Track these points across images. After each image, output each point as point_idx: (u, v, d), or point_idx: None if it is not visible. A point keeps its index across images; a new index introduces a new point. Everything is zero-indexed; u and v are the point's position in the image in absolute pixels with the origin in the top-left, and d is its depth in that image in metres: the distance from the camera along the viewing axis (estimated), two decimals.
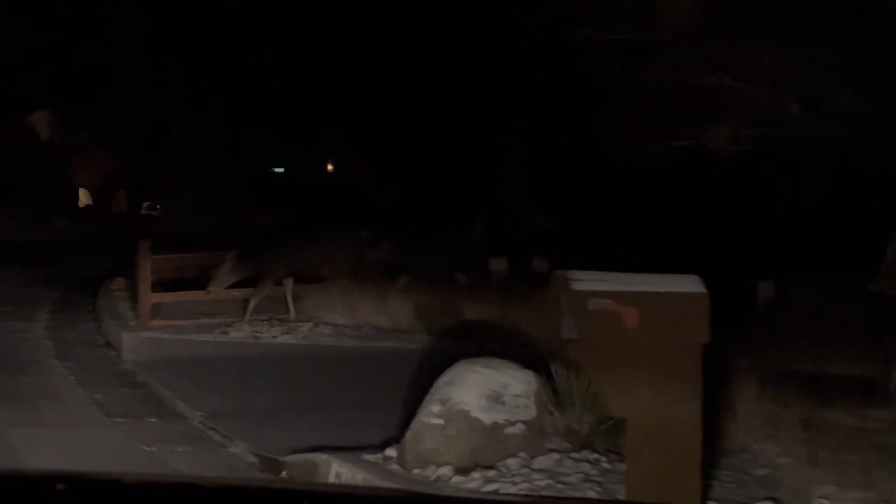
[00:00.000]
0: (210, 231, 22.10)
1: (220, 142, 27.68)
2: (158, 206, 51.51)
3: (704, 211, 17.32)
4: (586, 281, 6.35)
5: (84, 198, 49.39)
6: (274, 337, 13.64)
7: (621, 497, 6.65)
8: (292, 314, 14.38)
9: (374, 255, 15.54)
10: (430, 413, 7.56)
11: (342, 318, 14.43)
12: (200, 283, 14.97)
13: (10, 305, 16.79)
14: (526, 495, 6.36)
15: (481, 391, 7.51)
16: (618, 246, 15.82)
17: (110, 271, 20.42)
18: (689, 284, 6.57)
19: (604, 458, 7.32)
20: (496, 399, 7.48)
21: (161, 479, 3.68)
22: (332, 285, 14.82)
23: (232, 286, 14.79)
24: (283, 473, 8.28)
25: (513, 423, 7.42)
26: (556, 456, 7.33)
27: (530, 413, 7.49)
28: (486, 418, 7.41)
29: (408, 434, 7.68)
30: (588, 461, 7.29)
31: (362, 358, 12.73)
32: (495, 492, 6.79)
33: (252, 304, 14.38)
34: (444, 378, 7.72)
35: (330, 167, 43.82)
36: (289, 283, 14.59)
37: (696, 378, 6.44)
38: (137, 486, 2.81)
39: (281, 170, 42.43)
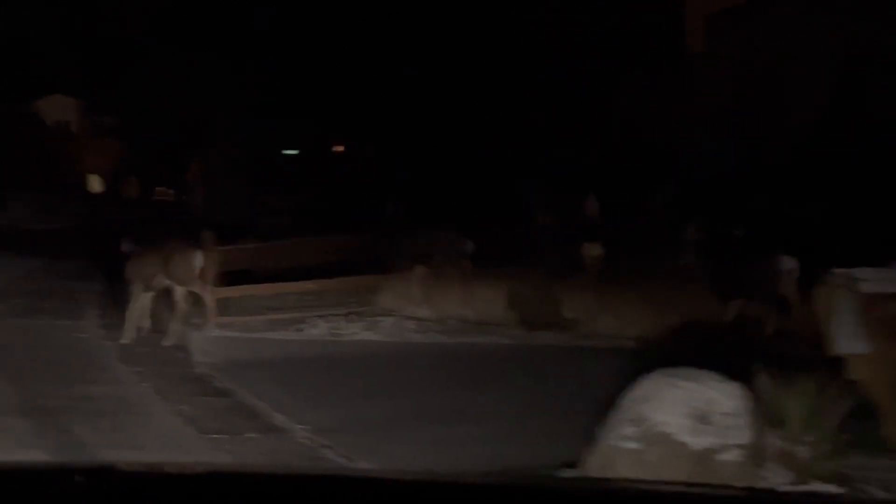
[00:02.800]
0: (251, 217, 20.94)
1: (253, 126, 26.52)
2: (172, 192, 50.44)
3: None
4: (881, 281, 5.14)
5: (96, 184, 48.19)
6: (354, 334, 12.45)
7: None
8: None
9: (460, 243, 14.31)
10: (622, 436, 6.35)
11: (424, 311, 13.25)
12: (266, 275, 13.83)
13: (55, 301, 15.63)
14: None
15: (684, 409, 6.29)
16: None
17: None
18: None
19: (842, 491, 6.13)
20: (702, 419, 6.26)
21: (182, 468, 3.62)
22: (412, 276, 13.63)
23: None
24: None
25: (726, 448, 6.21)
26: (780, 488, 6.13)
27: (744, 435, 6.27)
28: (694, 442, 6.20)
29: (591, 459, 6.47)
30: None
31: (458, 356, 11.54)
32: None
33: None
34: (636, 393, 6.49)
35: (340, 148, 42.70)
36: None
37: None
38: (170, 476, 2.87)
39: (295, 151, 41.28)
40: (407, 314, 13.10)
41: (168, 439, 8.64)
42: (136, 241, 13.52)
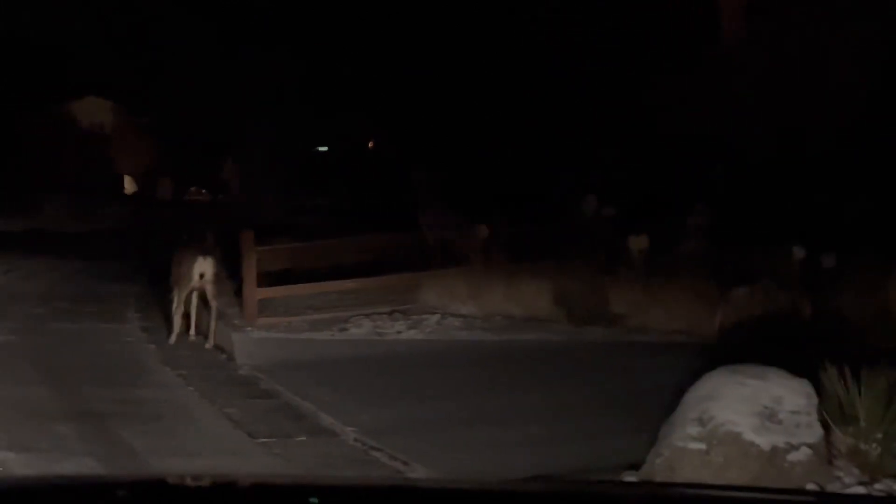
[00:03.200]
0: (286, 215, 20.83)
1: (289, 125, 26.45)
2: (204, 191, 50.48)
3: None
4: None
5: (129, 185, 48.25)
6: (399, 332, 12.29)
7: None
8: None
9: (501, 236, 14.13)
10: (688, 436, 6.18)
11: (469, 308, 13.08)
12: (305, 275, 13.71)
13: (96, 303, 15.56)
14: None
15: (751, 407, 6.11)
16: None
17: None
18: None
19: None
20: (771, 417, 6.09)
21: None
22: (455, 271, 13.47)
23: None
24: None
25: (796, 447, 6.03)
26: (854, 488, 5.94)
27: (815, 434, 6.09)
28: (763, 442, 6.02)
29: (658, 460, 6.30)
30: None
31: (507, 354, 11.37)
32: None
33: None
34: (700, 391, 6.32)
35: (370, 145, 42.56)
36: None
37: None
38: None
39: (325, 148, 41.20)
40: (451, 311, 12.94)
41: (219, 444, 8.52)
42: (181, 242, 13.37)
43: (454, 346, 11.82)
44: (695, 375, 9.71)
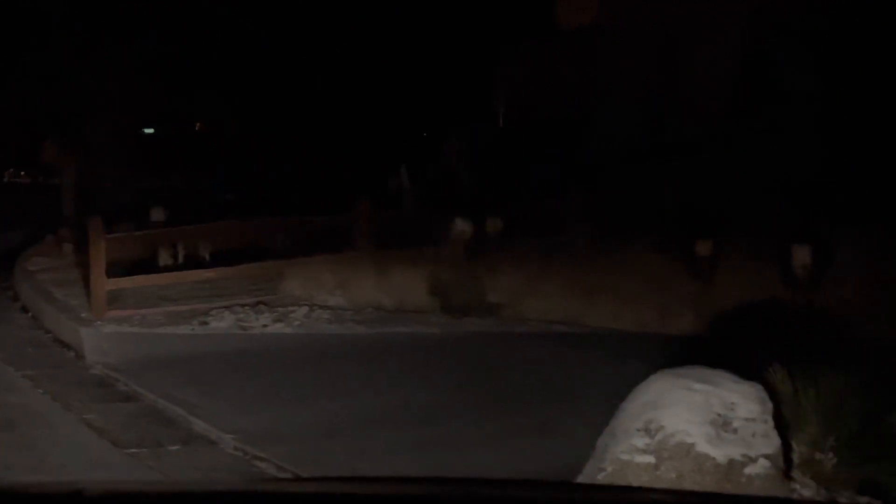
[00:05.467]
0: (132, 199, 19.67)
1: (131, 106, 25.12)
2: (23, 174, 48.16)
3: None
4: None
5: None
6: (265, 326, 11.46)
7: None
8: None
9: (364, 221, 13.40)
10: (633, 448, 5.58)
11: (336, 299, 12.34)
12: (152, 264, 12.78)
13: None
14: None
15: (704, 416, 5.55)
16: None
17: (13, 249, 17.90)
18: None
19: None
20: (724, 426, 5.53)
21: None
22: (320, 259, 12.70)
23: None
24: None
25: (753, 460, 5.48)
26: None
27: (772, 444, 5.56)
28: (719, 454, 5.46)
29: (600, 475, 5.69)
30: None
31: (384, 349, 10.65)
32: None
33: None
34: (643, 397, 5.72)
35: (197, 126, 41.26)
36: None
37: None
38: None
39: (151, 130, 39.74)
40: (318, 303, 12.17)
41: (84, 456, 7.59)
42: None
43: (325, 340, 11.06)
44: (587, 368, 9.30)
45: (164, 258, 12.85)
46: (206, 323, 11.57)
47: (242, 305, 12.00)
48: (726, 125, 16.31)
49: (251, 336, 11.20)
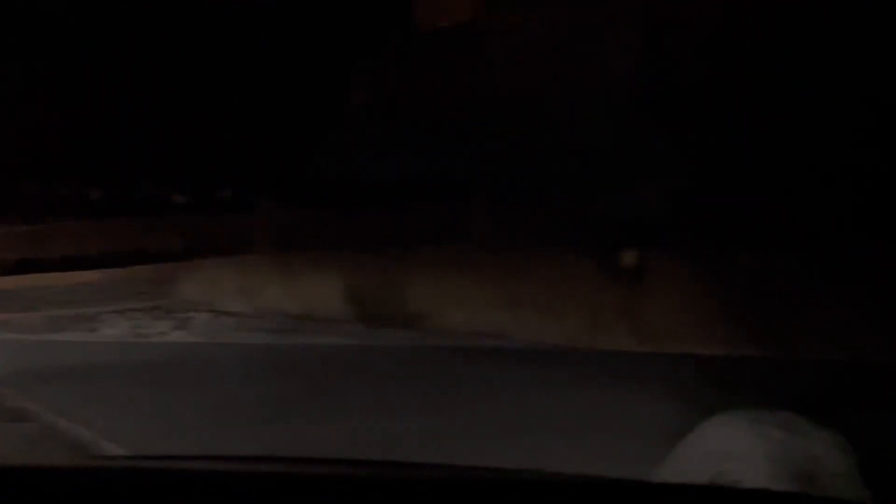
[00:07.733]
0: None
1: None
2: None
3: None
4: None
5: None
6: (163, 334, 10.39)
7: None
8: None
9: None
10: None
11: (238, 304, 11.32)
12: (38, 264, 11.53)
13: None
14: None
15: (785, 469, 4.75)
16: None
17: None
18: None
19: None
20: (810, 481, 4.75)
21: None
22: (220, 262, 11.65)
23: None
24: None
25: None
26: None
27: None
28: None
29: None
30: None
31: (297, 361, 9.67)
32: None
33: None
34: (708, 444, 4.85)
35: None
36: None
37: None
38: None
39: None
40: (219, 308, 11.14)
41: None
42: None
43: (234, 350, 10.05)
44: (524, 388, 8.48)
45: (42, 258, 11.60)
46: (95, 329, 10.43)
47: (136, 310, 10.88)
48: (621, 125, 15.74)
49: (151, 344, 10.12)
